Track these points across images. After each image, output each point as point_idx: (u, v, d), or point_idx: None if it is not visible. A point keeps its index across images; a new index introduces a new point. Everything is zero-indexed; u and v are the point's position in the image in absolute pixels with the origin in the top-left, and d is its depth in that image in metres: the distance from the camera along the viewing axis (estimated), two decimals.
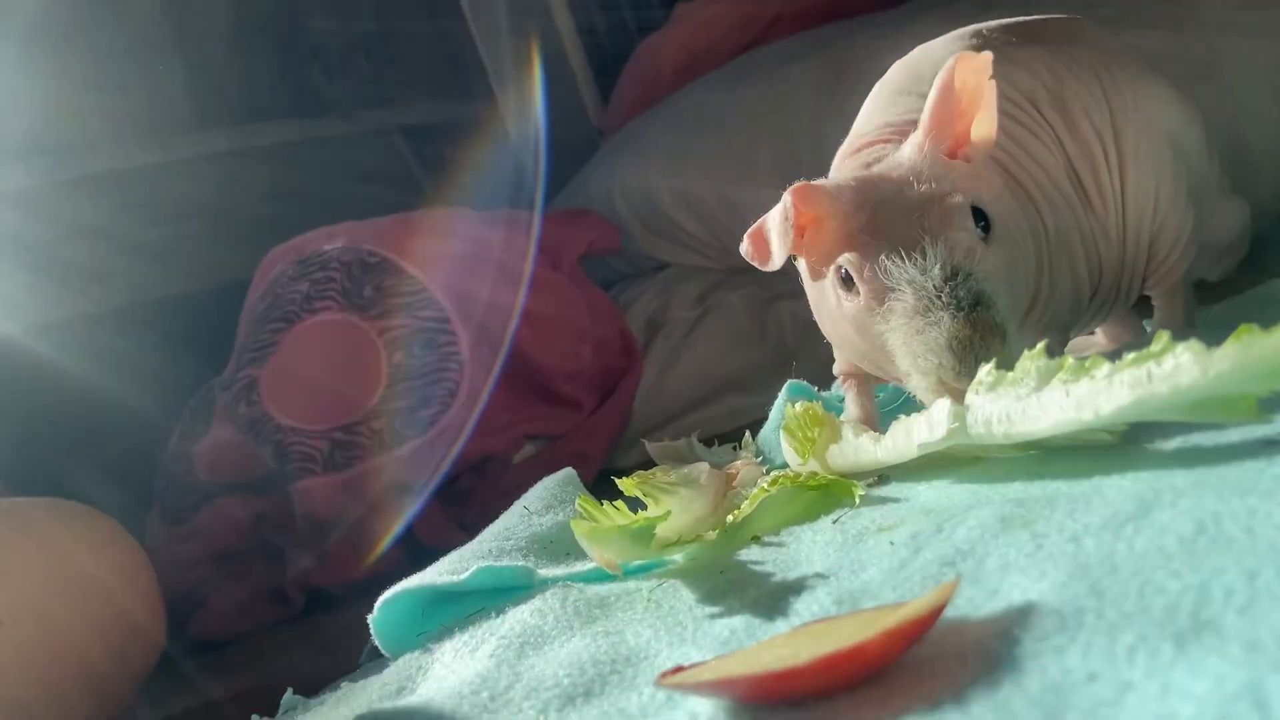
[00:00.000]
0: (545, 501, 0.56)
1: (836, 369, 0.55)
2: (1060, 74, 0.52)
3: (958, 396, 0.40)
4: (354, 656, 0.51)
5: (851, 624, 0.26)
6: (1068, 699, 0.19)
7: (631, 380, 1.10)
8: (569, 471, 0.61)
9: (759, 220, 0.47)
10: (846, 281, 0.44)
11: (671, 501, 0.47)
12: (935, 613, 0.25)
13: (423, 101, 1.76)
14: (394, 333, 0.96)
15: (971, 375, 0.39)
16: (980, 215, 0.43)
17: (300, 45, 1.48)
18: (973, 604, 0.26)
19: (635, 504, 0.46)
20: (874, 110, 0.55)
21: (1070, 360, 0.34)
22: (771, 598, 0.34)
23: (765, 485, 0.47)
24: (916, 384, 0.43)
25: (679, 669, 0.27)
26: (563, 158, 1.58)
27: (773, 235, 0.45)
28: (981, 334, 0.40)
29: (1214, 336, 0.29)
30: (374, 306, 0.97)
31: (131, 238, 1.22)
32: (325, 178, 1.52)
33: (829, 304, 0.46)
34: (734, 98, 1.25)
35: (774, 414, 0.60)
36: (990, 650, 0.23)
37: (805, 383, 0.61)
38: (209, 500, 0.96)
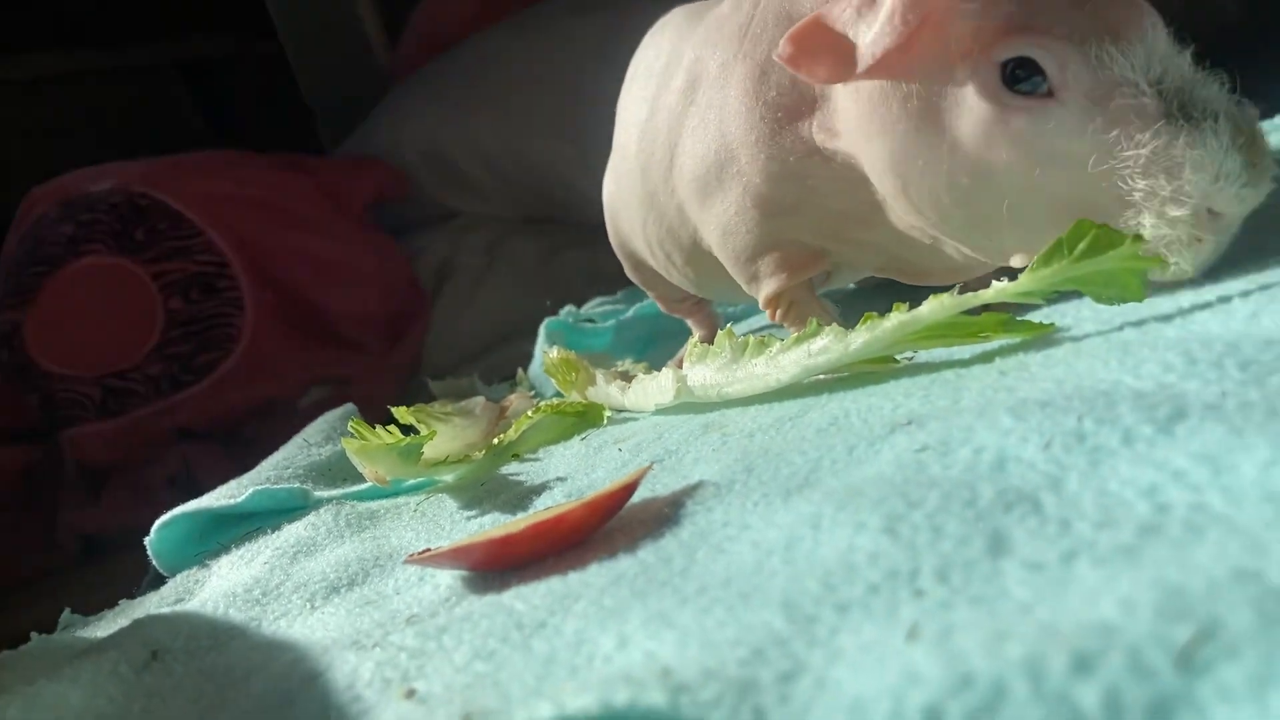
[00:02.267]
0: (325, 434, 0.59)
1: (770, 294, 0.45)
2: None
3: (1212, 233, 0.31)
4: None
5: (567, 505, 0.32)
6: (705, 538, 0.26)
7: (419, 325, 1.13)
8: (349, 407, 0.64)
9: (806, 19, 0.35)
10: (1016, 88, 0.32)
11: (444, 429, 0.51)
12: (628, 489, 0.31)
13: (199, 36, 1.68)
14: (170, 277, 0.95)
15: (1258, 191, 0.31)
16: None
17: None
18: (666, 486, 0.33)
19: (412, 433, 0.50)
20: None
21: (752, 339, 0.41)
22: (518, 498, 0.40)
23: (530, 413, 0.53)
24: (1155, 227, 0.31)
25: (426, 550, 0.32)
26: (349, 101, 1.56)
27: (866, 27, 0.33)
28: (1260, 133, 0.31)
29: None
30: (147, 250, 0.95)
31: None
32: (91, 115, 1.44)
33: (950, 134, 0.33)
34: (522, 48, 1.28)
35: (538, 351, 0.65)
36: (664, 515, 0.29)
37: (562, 319, 0.67)
38: None
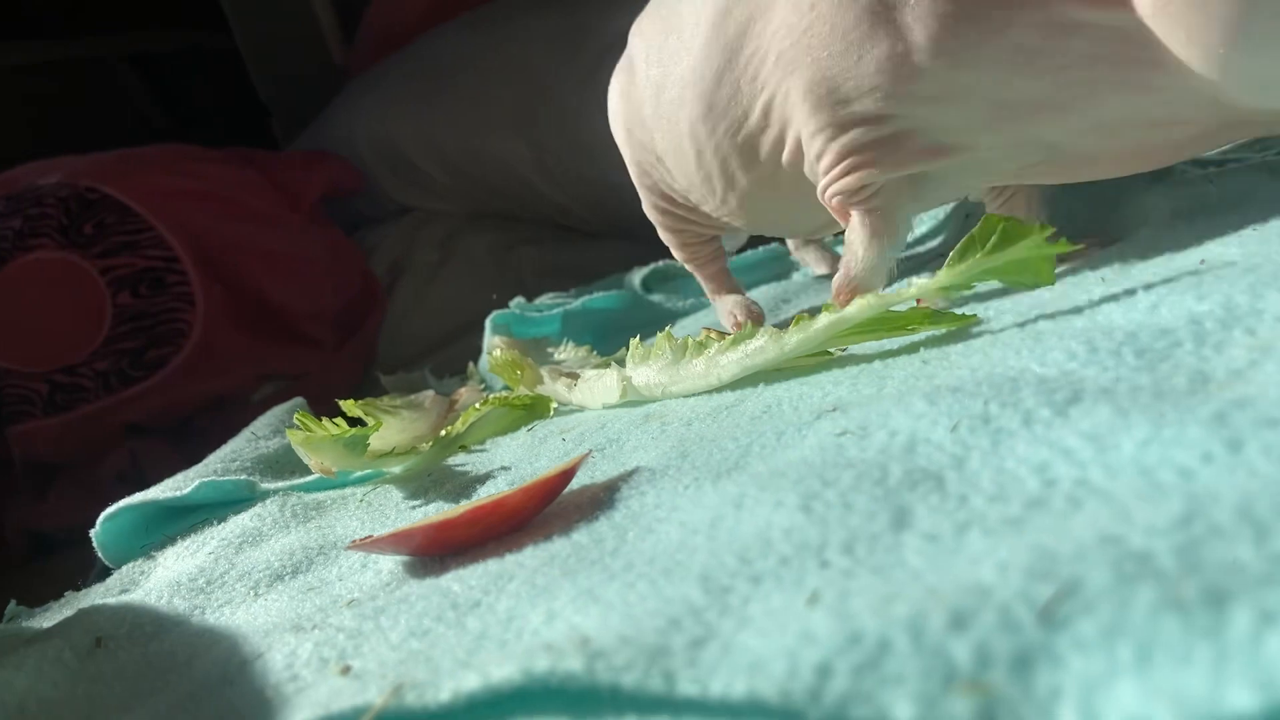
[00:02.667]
0: (273, 427, 0.60)
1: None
2: None
3: None
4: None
5: (506, 492, 0.32)
6: (636, 519, 0.27)
7: (373, 321, 1.13)
8: (298, 400, 0.64)
9: None
10: None
11: (392, 421, 0.52)
12: (566, 475, 0.32)
13: (153, 29, 1.66)
14: (118, 272, 0.94)
15: None
16: None
17: None
18: (604, 473, 0.34)
19: (360, 426, 0.50)
20: None
21: (691, 340, 0.42)
22: (462, 487, 0.41)
23: (478, 405, 0.53)
24: None
25: (369, 537, 0.33)
26: (304, 96, 1.55)
27: None
28: None
29: None
30: (95, 245, 0.94)
31: None
32: (41, 107, 1.42)
33: None
34: (477, 46, 1.28)
35: (486, 343, 0.66)
36: (599, 499, 0.30)
37: (508, 310, 0.68)
38: None
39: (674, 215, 0.55)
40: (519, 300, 0.70)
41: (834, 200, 0.40)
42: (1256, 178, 0.44)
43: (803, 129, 0.40)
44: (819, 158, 0.40)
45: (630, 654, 0.17)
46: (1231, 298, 0.27)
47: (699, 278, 0.59)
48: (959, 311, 0.36)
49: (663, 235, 0.57)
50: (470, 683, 0.19)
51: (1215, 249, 0.33)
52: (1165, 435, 0.19)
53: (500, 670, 0.18)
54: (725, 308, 0.57)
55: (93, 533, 0.46)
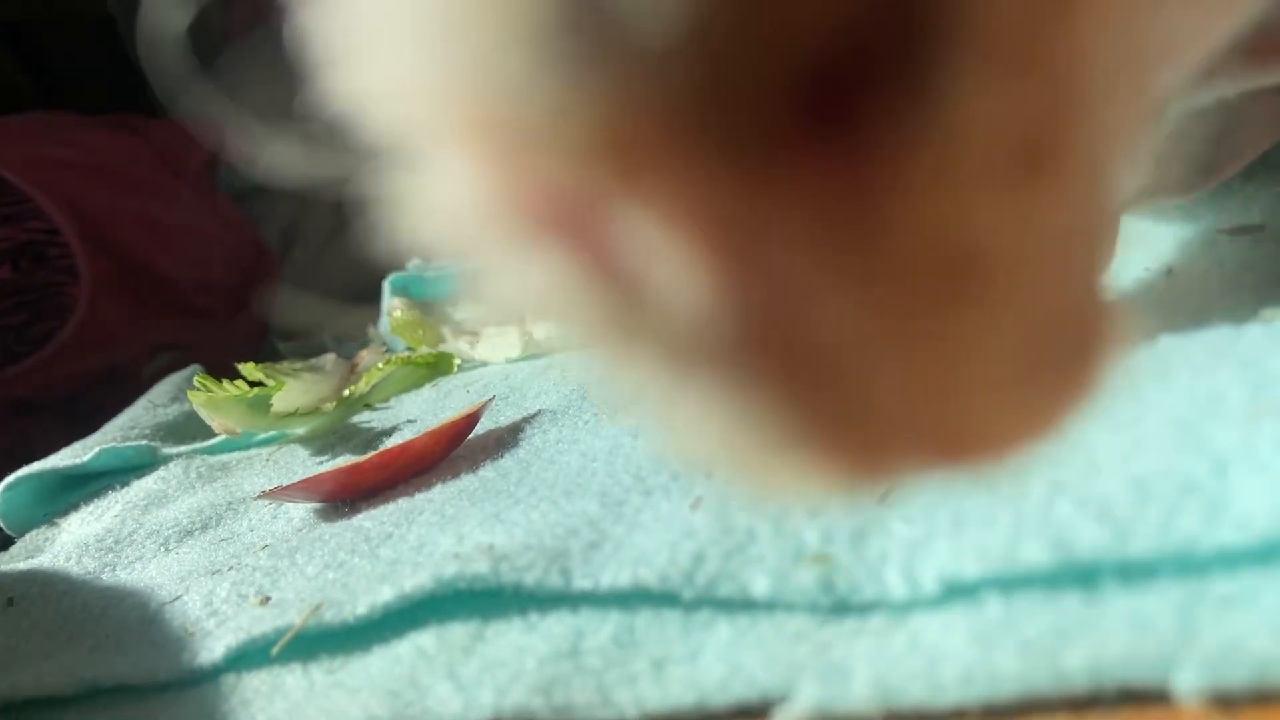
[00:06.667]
0: (171, 394, 0.59)
1: None
2: None
3: None
4: None
5: (413, 438, 0.34)
6: (539, 453, 0.29)
7: (267, 290, 1.11)
8: (195, 367, 0.64)
9: None
10: None
11: (294, 384, 0.52)
12: (471, 419, 0.33)
13: None
14: None
15: None
16: None
17: None
18: (508, 417, 0.36)
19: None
20: None
21: None
22: (368, 441, 0.42)
23: (381, 365, 0.54)
24: None
25: (279, 486, 0.34)
26: (183, 61, 1.49)
27: None
28: None
29: None
30: None
31: None
32: None
33: None
34: None
35: (385, 305, 0.67)
36: (504, 440, 0.32)
37: (405, 272, 0.68)
38: None
39: None
40: (417, 261, 0.71)
41: None
42: None
43: None
44: None
45: (532, 556, 0.19)
46: None
47: None
48: None
49: None
50: (385, 595, 0.20)
51: None
52: None
53: (412, 580, 0.20)
54: None
55: None
